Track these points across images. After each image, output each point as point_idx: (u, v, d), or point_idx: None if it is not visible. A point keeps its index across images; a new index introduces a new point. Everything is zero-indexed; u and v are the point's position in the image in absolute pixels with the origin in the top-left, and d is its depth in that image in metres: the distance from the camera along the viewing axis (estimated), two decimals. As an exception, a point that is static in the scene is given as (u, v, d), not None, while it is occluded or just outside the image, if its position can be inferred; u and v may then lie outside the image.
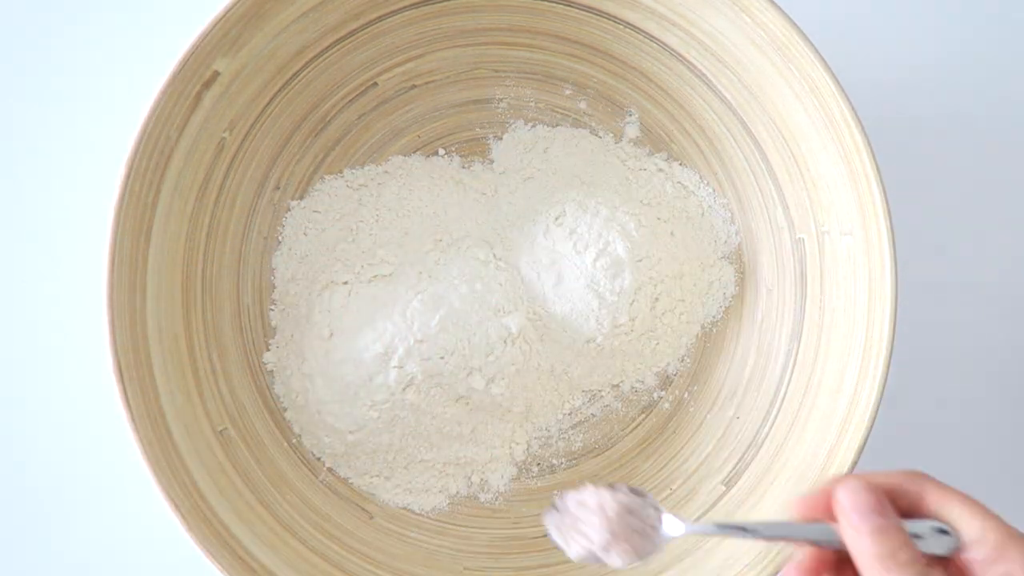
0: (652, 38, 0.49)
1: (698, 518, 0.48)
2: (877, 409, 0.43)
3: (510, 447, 0.52)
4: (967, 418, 0.57)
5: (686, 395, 0.53)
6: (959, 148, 0.58)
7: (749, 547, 0.45)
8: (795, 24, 0.44)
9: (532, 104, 0.54)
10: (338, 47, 0.50)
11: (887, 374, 0.43)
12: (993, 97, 0.58)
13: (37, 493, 0.55)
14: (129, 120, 0.44)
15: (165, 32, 0.56)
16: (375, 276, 0.50)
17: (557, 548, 0.41)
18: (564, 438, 0.53)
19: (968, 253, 0.57)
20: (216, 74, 0.46)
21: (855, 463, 0.42)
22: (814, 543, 0.38)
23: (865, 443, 0.43)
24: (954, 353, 0.57)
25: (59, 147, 0.56)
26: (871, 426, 0.43)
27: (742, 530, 0.38)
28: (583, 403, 0.53)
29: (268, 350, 0.51)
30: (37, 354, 0.56)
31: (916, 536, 0.36)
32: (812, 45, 0.44)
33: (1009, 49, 0.58)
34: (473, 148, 0.54)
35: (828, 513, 0.37)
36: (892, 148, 0.51)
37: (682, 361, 0.53)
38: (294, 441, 0.50)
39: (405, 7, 0.50)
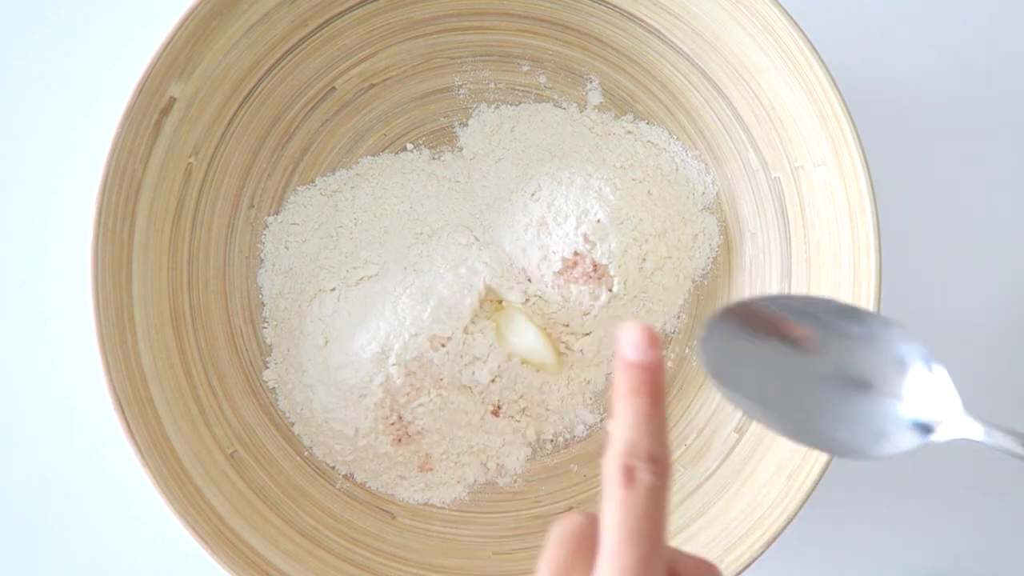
0: (600, 1, 0.49)
1: (715, 469, 0.48)
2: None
3: (522, 430, 0.52)
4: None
5: (687, 351, 0.53)
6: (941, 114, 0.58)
7: (772, 486, 0.45)
8: (738, -36, 0.44)
9: (492, 86, 0.54)
10: (291, 57, 0.50)
11: (880, 298, 0.43)
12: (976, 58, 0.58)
13: (37, 494, 0.55)
14: (91, 156, 0.44)
15: (119, 63, 0.56)
16: (361, 278, 0.50)
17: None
18: (575, 412, 0.53)
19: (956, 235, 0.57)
20: (172, 100, 0.45)
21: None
22: None
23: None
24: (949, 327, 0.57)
25: (27, 187, 0.56)
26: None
27: None
28: (588, 374, 0.53)
29: (267, 368, 0.51)
30: (36, 366, 0.56)
31: None
32: (758, -17, 0.44)
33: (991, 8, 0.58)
34: (440, 138, 0.54)
35: None
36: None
37: (678, 318, 0.53)
38: (306, 454, 0.50)
39: (351, 7, 0.50)
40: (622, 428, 0.30)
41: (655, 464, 0.30)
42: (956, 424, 0.29)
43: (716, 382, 0.33)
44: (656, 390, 0.31)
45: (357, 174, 0.53)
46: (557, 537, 0.31)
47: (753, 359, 0.34)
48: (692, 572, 0.32)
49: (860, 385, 0.32)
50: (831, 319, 0.33)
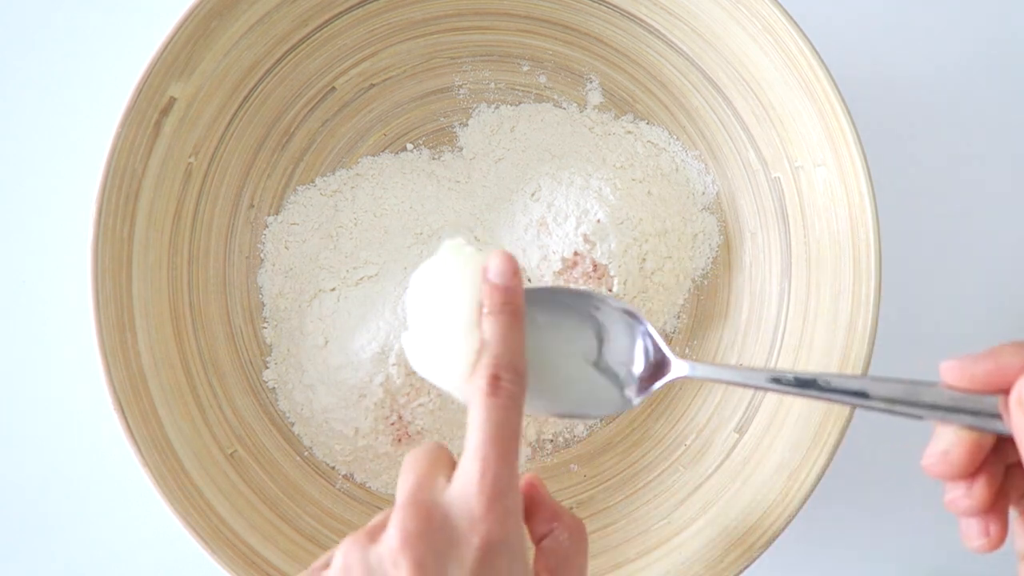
0: (600, 1, 0.49)
1: (715, 469, 0.48)
2: (875, 333, 0.43)
3: (522, 431, 0.52)
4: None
5: (687, 350, 0.53)
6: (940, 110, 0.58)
7: (772, 486, 0.45)
8: (738, -36, 0.44)
9: (492, 86, 0.54)
10: (291, 56, 0.50)
11: (879, 298, 0.43)
12: (976, 56, 0.58)
13: (37, 494, 0.55)
14: (91, 156, 0.44)
15: (119, 63, 0.56)
16: (361, 278, 0.50)
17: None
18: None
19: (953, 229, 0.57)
20: (172, 100, 0.45)
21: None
22: (971, 424, 0.31)
23: (868, 366, 0.43)
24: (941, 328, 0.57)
25: (27, 187, 0.56)
26: (871, 348, 0.43)
27: (831, 390, 0.33)
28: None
29: (267, 368, 0.51)
30: (36, 366, 0.56)
31: None
32: (758, -17, 0.44)
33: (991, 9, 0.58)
34: (440, 138, 0.54)
35: (992, 386, 0.31)
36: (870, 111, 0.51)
37: (678, 318, 0.53)
38: (306, 454, 0.50)
39: (351, 7, 0.50)
40: (488, 343, 0.34)
41: (515, 375, 0.34)
42: (673, 368, 0.38)
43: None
44: (516, 310, 0.35)
45: (357, 174, 0.53)
46: (413, 454, 0.34)
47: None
48: (568, 519, 0.36)
49: (599, 357, 0.39)
50: (562, 304, 0.39)
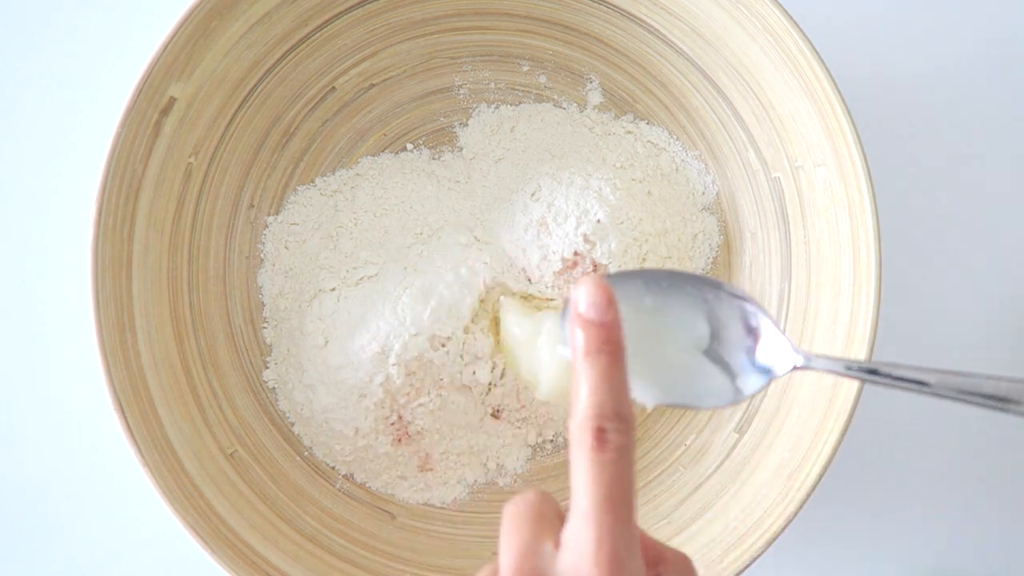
0: (600, 1, 0.49)
1: (715, 469, 0.48)
2: (875, 333, 0.43)
3: (523, 434, 0.52)
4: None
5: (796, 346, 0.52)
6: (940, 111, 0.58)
7: (772, 486, 0.45)
8: (738, -36, 0.44)
9: (492, 86, 0.54)
10: (291, 56, 0.50)
11: (879, 298, 0.43)
12: (976, 56, 0.58)
13: (37, 494, 0.55)
14: (91, 156, 0.44)
15: (119, 63, 0.56)
16: (361, 278, 0.50)
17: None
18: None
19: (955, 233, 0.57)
20: (172, 100, 0.45)
21: (860, 388, 0.42)
22: None
23: (868, 366, 0.43)
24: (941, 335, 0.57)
25: (27, 187, 0.56)
26: (871, 349, 0.43)
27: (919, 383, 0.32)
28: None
29: (267, 368, 0.51)
30: (36, 366, 0.56)
31: None
32: (758, -17, 0.44)
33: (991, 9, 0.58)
34: (440, 138, 0.54)
35: None
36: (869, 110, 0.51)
37: (678, 318, 0.53)
38: (306, 454, 0.50)
39: (351, 7, 0.50)
40: (587, 390, 0.30)
41: (622, 423, 0.29)
42: (788, 359, 0.35)
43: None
44: (617, 348, 0.31)
45: (357, 174, 0.53)
46: (516, 512, 0.30)
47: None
48: (672, 556, 0.32)
49: (710, 345, 0.36)
50: (679, 287, 0.37)
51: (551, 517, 0.31)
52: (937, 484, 0.56)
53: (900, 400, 0.55)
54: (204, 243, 0.49)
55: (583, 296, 0.31)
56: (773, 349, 0.35)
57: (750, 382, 0.36)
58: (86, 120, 0.56)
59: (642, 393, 0.36)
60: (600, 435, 0.29)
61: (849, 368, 0.34)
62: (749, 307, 0.36)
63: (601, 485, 0.29)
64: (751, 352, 0.36)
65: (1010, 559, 0.56)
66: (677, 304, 0.37)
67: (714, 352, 0.37)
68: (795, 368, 0.35)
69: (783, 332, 0.36)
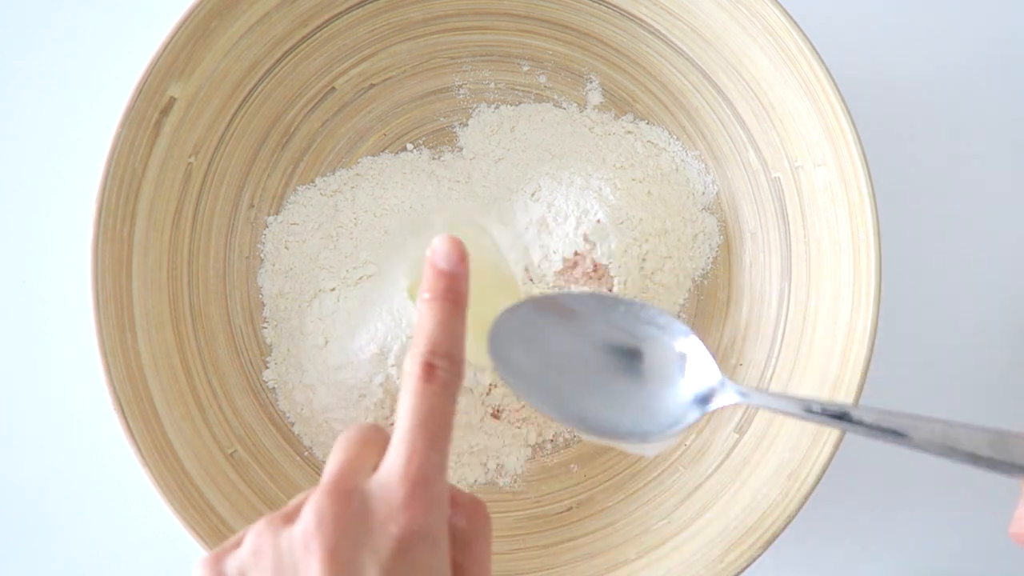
0: (600, 1, 0.49)
1: (715, 469, 0.48)
2: (875, 333, 0.43)
3: (523, 434, 0.52)
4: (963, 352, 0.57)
5: (729, 377, 0.52)
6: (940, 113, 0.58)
7: (772, 486, 0.45)
8: (738, -36, 0.44)
9: (492, 86, 0.54)
10: (291, 57, 0.50)
11: (879, 298, 0.43)
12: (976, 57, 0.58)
13: (37, 494, 0.55)
14: (91, 156, 0.44)
15: (119, 63, 0.56)
16: (361, 278, 0.50)
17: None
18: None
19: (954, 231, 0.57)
20: (172, 100, 0.46)
21: (860, 387, 0.43)
22: None
23: (868, 366, 0.43)
24: (940, 334, 0.57)
25: (27, 187, 0.56)
26: (871, 349, 0.43)
27: (894, 434, 0.30)
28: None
29: (267, 368, 0.51)
30: (36, 366, 0.56)
31: None
32: (758, -17, 0.44)
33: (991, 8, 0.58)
34: (440, 138, 0.54)
35: None
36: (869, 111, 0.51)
37: (678, 317, 0.53)
38: (306, 454, 0.50)
39: (351, 7, 0.50)
40: (426, 329, 0.33)
41: (452, 363, 0.32)
42: (723, 394, 0.35)
43: (498, 366, 0.36)
44: (459, 298, 0.33)
45: (357, 174, 0.53)
46: (346, 435, 0.33)
47: (542, 348, 0.37)
48: (464, 500, 0.34)
49: (642, 378, 0.36)
50: (621, 316, 0.37)
51: (379, 444, 0.33)
52: (937, 484, 0.56)
53: (900, 400, 0.55)
54: (204, 243, 0.49)
55: (439, 248, 0.34)
56: (703, 381, 0.35)
57: (680, 418, 0.36)
58: (86, 120, 0.56)
59: (563, 418, 0.36)
60: (429, 369, 0.32)
61: (809, 410, 0.33)
62: (680, 335, 0.36)
63: (420, 412, 0.31)
64: (681, 386, 0.36)
65: (1010, 559, 0.56)
66: (603, 328, 0.37)
67: (643, 382, 0.37)
68: (727, 405, 0.35)
69: (714, 360, 0.37)
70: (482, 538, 0.33)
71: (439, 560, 0.30)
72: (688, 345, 0.37)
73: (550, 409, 0.36)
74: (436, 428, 0.31)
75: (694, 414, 0.36)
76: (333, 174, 0.53)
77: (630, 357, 0.37)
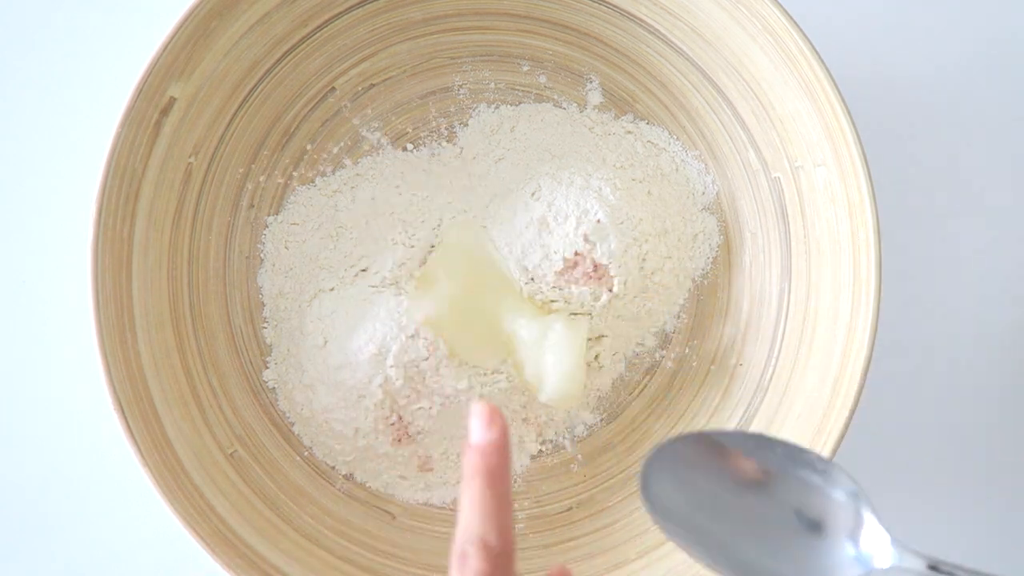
0: (600, 1, 0.49)
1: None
2: (875, 333, 0.43)
3: (523, 435, 0.52)
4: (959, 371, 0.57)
5: (687, 351, 0.53)
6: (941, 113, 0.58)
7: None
8: (738, -36, 0.44)
9: (492, 86, 0.54)
10: (291, 57, 0.50)
11: (879, 298, 0.43)
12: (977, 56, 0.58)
13: (37, 494, 0.55)
14: (91, 156, 0.44)
15: (119, 63, 0.56)
16: (358, 276, 0.50)
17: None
18: (574, 413, 0.53)
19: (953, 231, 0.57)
20: (172, 100, 0.46)
21: (860, 387, 0.43)
22: None
23: (868, 366, 0.43)
24: (939, 336, 0.57)
25: (27, 187, 0.56)
26: (871, 349, 0.43)
27: None
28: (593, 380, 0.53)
29: (267, 368, 0.51)
30: (36, 366, 0.56)
31: None
32: (758, -17, 0.44)
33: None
34: (440, 139, 0.54)
35: None
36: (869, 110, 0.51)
37: (678, 318, 0.53)
38: (306, 454, 0.50)
39: (351, 7, 0.50)
40: (462, 511, 0.31)
41: (484, 549, 0.30)
42: (883, 555, 0.33)
43: (653, 514, 0.35)
44: (492, 472, 0.31)
45: (357, 174, 0.53)
46: None
47: (699, 494, 0.35)
48: None
49: (803, 526, 0.34)
50: (780, 459, 0.35)
51: None
52: (937, 483, 0.56)
53: (900, 400, 0.55)
54: (204, 243, 0.49)
55: (472, 421, 0.32)
56: (869, 543, 0.34)
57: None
58: (86, 120, 0.56)
59: (717, 565, 0.34)
60: (462, 559, 0.30)
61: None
62: (852, 493, 0.34)
63: None
64: (845, 543, 0.34)
65: (1010, 558, 0.56)
66: (768, 474, 0.35)
67: (801, 537, 0.35)
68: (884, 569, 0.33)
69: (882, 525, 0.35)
70: None
71: None
72: (849, 497, 0.35)
73: (703, 554, 0.35)
74: None
75: (855, 571, 0.34)
76: (333, 174, 0.53)
77: (785, 504, 0.35)
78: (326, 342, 0.49)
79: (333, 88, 0.52)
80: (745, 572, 0.34)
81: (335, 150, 0.53)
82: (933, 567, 0.33)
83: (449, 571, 0.30)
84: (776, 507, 0.35)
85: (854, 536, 0.34)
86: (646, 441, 0.51)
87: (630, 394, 0.53)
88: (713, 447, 0.36)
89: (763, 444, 0.36)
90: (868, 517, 0.34)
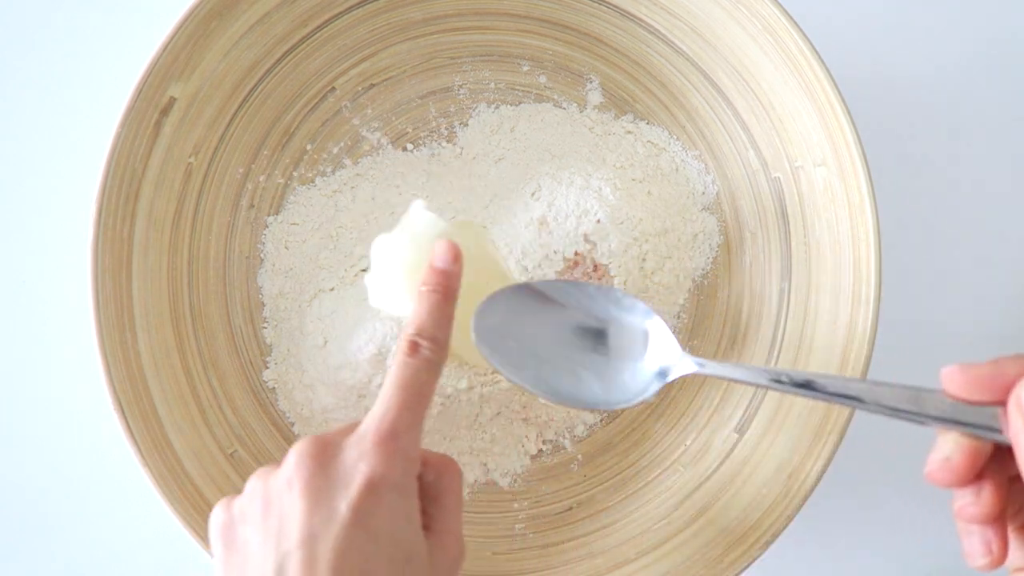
0: (600, 1, 0.49)
1: (715, 469, 0.48)
2: (875, 333, 0.43)
3: (522, 442, 0.52)
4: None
5: (687, 350, 0.53)
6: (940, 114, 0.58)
7: (772, 486, 0.45)
8: (738, -36, 0.44)
9: (492, 86, 0.54)
10: (291, 57, 0.50)
11: (879, 298, 0.43)
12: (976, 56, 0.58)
13: (37, 494, 0.55)
14: (91, 156, 0.44)
15: (119, 63, 0.56)
16: (360, 274, 0.50)
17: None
18: (574, 413, 0.53)
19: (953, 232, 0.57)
20: (172, 100, 0.46)
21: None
22: (970, 433, 0.31)
23: (868, 366, 0.43)
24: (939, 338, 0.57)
25: (27, 187, 0.56)
26: (871, 349, 0.43)
27: (844, 396, 0.33)
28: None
29: (267, 368, 0.51)
30: (36, 366, 0.56)
31: None
32: (758, -18, 0.44)
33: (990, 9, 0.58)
34: (440, 138, 0.54)
35: (992, 394, 0.31)
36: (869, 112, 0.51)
37: (678, 317, 0.53)
38: (306, 454, 0.50)
39: (351, 7, 0.50)
40: (416, 314, 0.38)
41: (434, 343, 0.37)
42: (681, 364, 0.40)
43: (481, 346, 0.41)
44: (449, 291, 0.39)
45: (357, 174, 0.53)
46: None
47: (520, 330, 0.42)
48: (435, 460, 0.38)
49: (613, 354, 0.42)
50: (587, 300, 0.43)
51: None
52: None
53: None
54: (204, 243, 0.49)
55: (437, 250, 0.39)
56: (663, 354, 0.41)
57: (644, 388, 0.41)
58: (86, 120, 0.56)
59: (542, 392, 0.41)
60: (413, 346, 0.37)
61: (777, 380, 0.36)
62: (643, 314, 0.42)
63: (399, 379, 0.36)
64: (646, 358, 0.42)
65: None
66: (576, 310, 0.42)
67: (612, 356, 0.42)
68: (686, 374, 0.40)
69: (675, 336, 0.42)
70: (451, 492, 0.38)
71: (406, 505, 0.35)
72: (651, 324, 0.42)
73: (527, 383, 0.41)
74: (412, 393, 0.36)
75: (656, 385, 0.41)
76: (333, 174, 0.53)
77: (599, 336, 0.42)
78: (326, 342, 0.49)
79: (333, 88, 0.52)
80: (563, 395, 0.41)
81: (335, 150, 0.53)
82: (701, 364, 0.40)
83: (395, 357, 0.37)
84: (588, 340, 0.42)
85: (654, 357, 0.41)
86: (646, 441, 0.51)
87: (630, 394, 0.53)
88: (534, 293, 0.43)
89: (577, 288, 0.43)
90: (664, 339, 0.41)
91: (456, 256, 0.39)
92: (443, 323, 0.38)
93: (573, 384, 0.41)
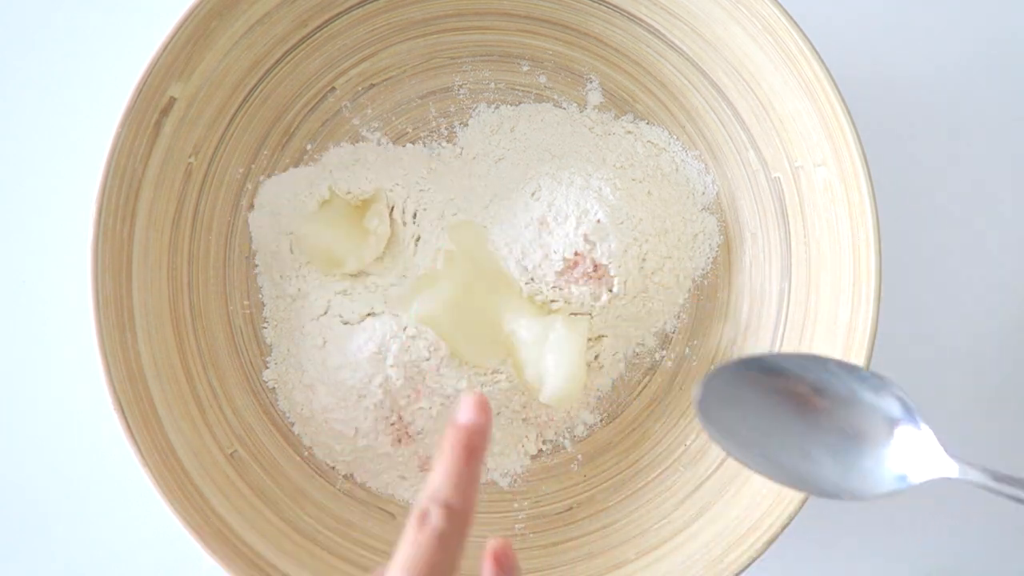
0: (600, 1, 0.49)
1: (715, 469, 0.48)
2: (875, 333, 0.43)
3: (522, 442, 0.52)
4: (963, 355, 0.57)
5: (687, 350, 0.53)
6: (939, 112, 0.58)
7: (772, 487, 0.45)
8: (738, -36, 0.44)
9: (492, 86, 0.54)
10: (291, 57, 0.50)
11: (879, 298, 0.43)
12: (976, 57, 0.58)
13: (37, 494, 0.55)
14: (91, 156, 0.44)
15: (119, 63, 0.56)
16: (358, 276, 0.50)
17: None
18: (574, 413, 0.53)
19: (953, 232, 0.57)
20: (172, 100, 0.46)
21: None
22: None
23: (868, 366, 0.43)
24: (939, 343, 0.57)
25: (27, 187, 0.56)
26: (871, 349, 0.43)
27: None
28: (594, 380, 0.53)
29: (267, 368, 0.51)
30: (36, 366, 0.56)
31: None
32: (758, -18, 0.44)
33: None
34: (440, 138, 0.54)
35: None
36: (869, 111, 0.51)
37: (678, 318, 0.53)
38: (306, 454, 0.50)
39: (351, 7, 0.50)
40: (432, 476, 0.32)
41: (449, 513, 0.31)
42: (937, 466, 0.34)
43: (706, 426, 0.37)
44: (471, 450, 0.33)
45: (357, 174, 0.53)
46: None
47: (749, 408, 0.37)
48: None
49: (852, 435, 0.37)
50: (827, 374, 0.37)
51: None
52: (938, 483, 0.56)
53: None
54: (204, 242, 0.49)
55: (462, 404, 0.34)
56: (919, 453, 0.35)
57: (884, 482, 0.36)
58: (86, 120, 0.56)
59: (767, 471, 0.36)
60: (423, 516, 0.31)
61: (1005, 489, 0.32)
62: (902, 403, 0.35)
63: (407, 557, 0.30)
64: (892, 451, 0.36)
65: (1010, 559, 0.56)
66: (817, 391, 0.37)
67: (851, 446, 0.37)
68: (940, 477, 0.34)
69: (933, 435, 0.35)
70: None
71: None
72: (898, 408, 0.36)
73: (759, 465, 0.37)
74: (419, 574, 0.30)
75: (903, 483, 0.36)
76: (333, 174, 0.53)
77: (836, 415, 0.37)
78: (326, 342, 0.49)
79: (333, 88, 0.52)
80: (799, 480, 0.36)
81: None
82: (996, 478, 0.33)
83: (406, 530, 0.31)
84: (828, 420, 0.36)
85: (902, 447, 0.35)
86: (646, 441, 0.51)
87: (630, 394, 0.53)
88: (765, 369, 0.38)
89: (816, 363, 0.38)
90: (922, 429, 0.35)
91: (483, 406, 0.34)
92: (464, 487, 0.32)
93: (804, 463, 0.37)
